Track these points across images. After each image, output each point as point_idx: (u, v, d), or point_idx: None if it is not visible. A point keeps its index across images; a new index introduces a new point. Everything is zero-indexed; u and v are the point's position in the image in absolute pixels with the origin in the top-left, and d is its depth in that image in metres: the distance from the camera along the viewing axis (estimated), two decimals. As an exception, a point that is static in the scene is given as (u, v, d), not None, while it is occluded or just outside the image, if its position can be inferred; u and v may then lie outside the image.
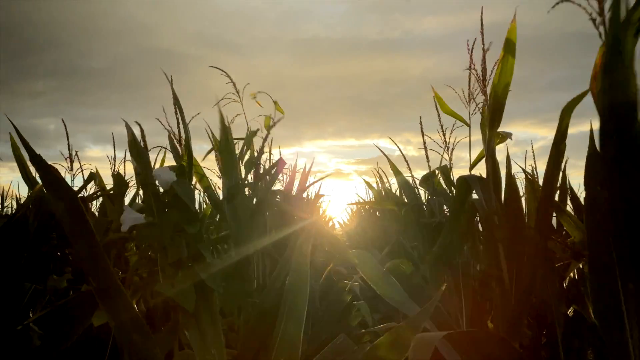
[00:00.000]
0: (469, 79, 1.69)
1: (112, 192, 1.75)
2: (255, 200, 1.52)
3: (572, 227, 1.97)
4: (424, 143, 2.04)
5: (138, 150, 1.19)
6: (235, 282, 1.26)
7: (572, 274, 1.96)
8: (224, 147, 1.55)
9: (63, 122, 2.16)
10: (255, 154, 1.69)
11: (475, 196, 1.64)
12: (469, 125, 1.81)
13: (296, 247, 1.17)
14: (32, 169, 2.09)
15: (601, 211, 0.91)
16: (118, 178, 1.16)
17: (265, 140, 1.63)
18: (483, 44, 1.41)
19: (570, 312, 1.88)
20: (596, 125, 0.97)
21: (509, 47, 1.33)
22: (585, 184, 0.96)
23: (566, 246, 2.05)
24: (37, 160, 0.84)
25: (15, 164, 2.11)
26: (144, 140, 1.32)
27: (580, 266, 1.95)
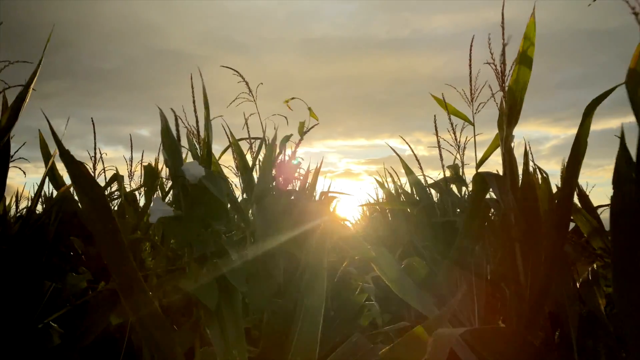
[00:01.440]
0: (470, 78, 1.69)
1: (144, 187, 1.77)
2: (284, 201, 1.55)
3: (587, 226, 1.96)
4: (438, 142, 2.04)
5: (170, 141, 1.19)
6: (261, 281, 1.27)
7: (585, 274, 1.95)
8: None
9: (92, 120, 2.20)
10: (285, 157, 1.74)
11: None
12: (472, 124, 1.81)
13: (312, 247, 1.17)
14: (58, 169, 2.09)
15: (630, 210, 0.91)
16: (149, 169, 1.16)
17: (298, 145, 1.68)
18: (503, 39, 1.41)
19: (583, 312, 1.87)
20: (626, 119, 0.97)
21: (528, 41, 1.33)
22: (614, 182, 0.96)
23: (580, 246, 2.04)
24: (66, 156, 0.85)
25: (28, 165, 2.11)
26: (178, 130, 1.32)
27: (595, 266, 1.94)
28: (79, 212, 1.98)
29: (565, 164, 1.21)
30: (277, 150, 1.70)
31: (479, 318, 1.84)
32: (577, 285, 1.92)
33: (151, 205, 1.00)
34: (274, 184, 1.69)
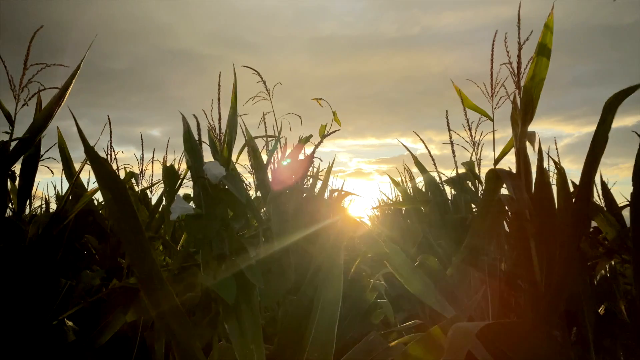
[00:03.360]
0: (491, 73, 1.67)
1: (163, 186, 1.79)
2: (298, 200, 1.56)
3: (605, 224, 1.93)
4: (450, 139, 2.01)
5: (192, 144, 1.21)
6: (275, 278, 1.28)
7: (603, 271, 1.92)
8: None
9: (108, 118, 2.22)
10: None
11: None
12: (492, 120, 1.79)
13: (328, 244, 1.17)
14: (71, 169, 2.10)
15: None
16: (170, 170, 1.18)
17: (317, 146, 1.69)
18: (519, 38, 1.39)
19: (601, 310, 1.84)
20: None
21: (545, 40, 1.31)
22: (634, 177, 0.94)
23: (597, 243, 2.01)
24: (91, 153, 0.87)
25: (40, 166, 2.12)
26: (199, 134, 1.35)
27: (612, 263, 1.91)
28: (95, 211, 2.00)
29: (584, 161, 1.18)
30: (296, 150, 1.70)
31: (493, 316, 1.83)
32: (595, 282, 1.88)
33: (173, 203, 1.02)
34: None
